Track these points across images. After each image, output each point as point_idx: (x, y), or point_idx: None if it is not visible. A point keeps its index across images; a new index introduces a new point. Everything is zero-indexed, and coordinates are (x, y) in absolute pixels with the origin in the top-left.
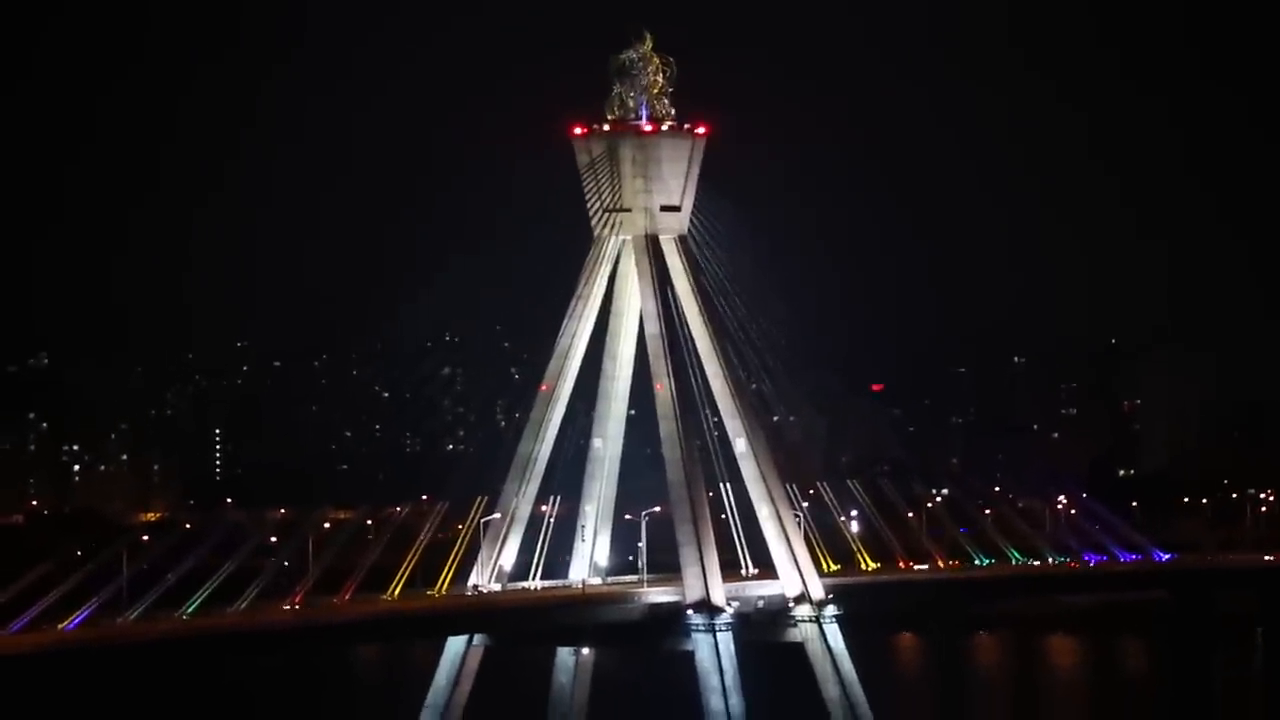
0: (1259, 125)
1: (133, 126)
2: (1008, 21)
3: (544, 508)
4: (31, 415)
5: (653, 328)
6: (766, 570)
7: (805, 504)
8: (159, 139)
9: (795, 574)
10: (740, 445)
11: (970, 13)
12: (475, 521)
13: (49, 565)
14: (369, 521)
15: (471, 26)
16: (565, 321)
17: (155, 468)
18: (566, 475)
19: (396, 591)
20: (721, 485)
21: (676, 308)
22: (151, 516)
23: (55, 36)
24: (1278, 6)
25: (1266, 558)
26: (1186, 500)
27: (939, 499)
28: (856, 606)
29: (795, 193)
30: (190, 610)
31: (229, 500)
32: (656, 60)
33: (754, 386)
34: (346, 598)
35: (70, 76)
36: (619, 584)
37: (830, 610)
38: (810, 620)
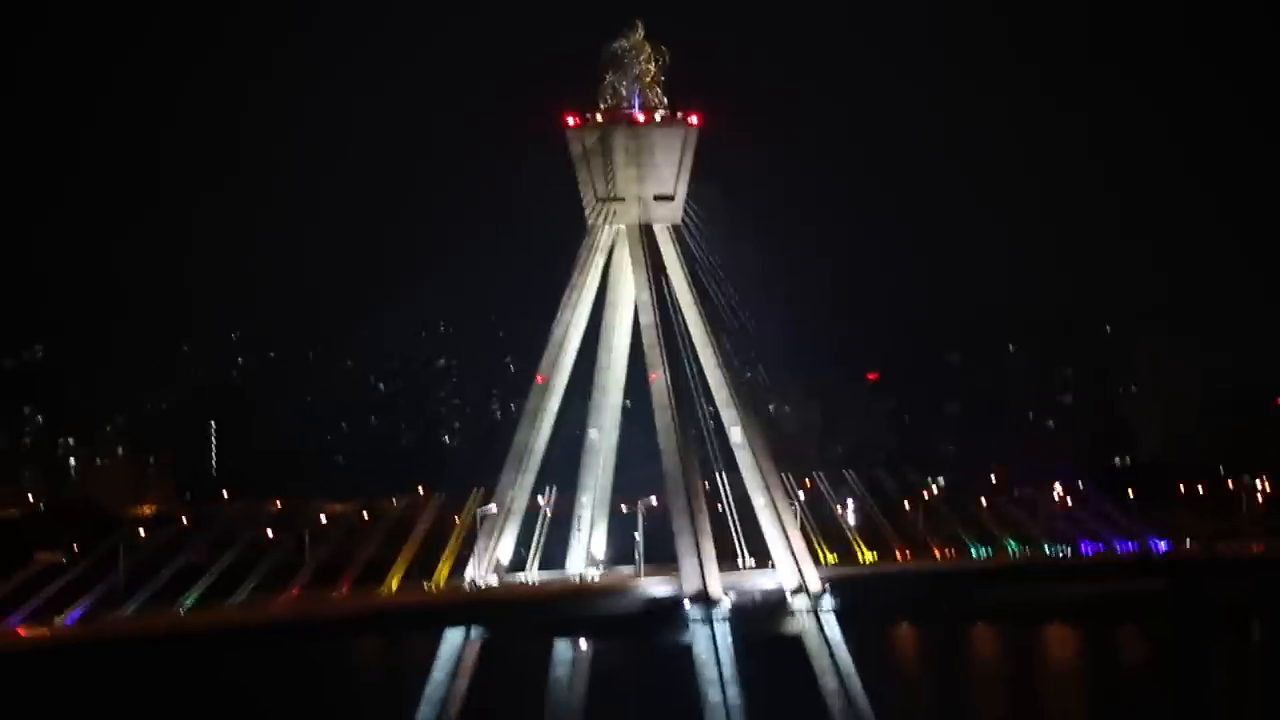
0: (1255, 114)
1: (130, 120)
2: (1005, 16)
3: (540, 499)
4: (27, 409)
5: (647, 318)
6: (763, 561)
7: (801, 494)
8: (158, 130)
9: (792, 565)
10: (736, 435)
11: (963, 3)
12: (472, 513)
13: (46, 559)
14: (365, 514)
15: (466, 19)
16: (560, 312)
17: (151, 461)
18: (562, 466)
19: (394, 584)
20: (718, 476)
21: (671, 297)
22: (147, 510)
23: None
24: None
25: (1254, 547)
26: (1183, 489)
27: (935, 489)
28: (854, 597)
29: (788, 181)
30: (187, 604)
31: (225, 493)
32: (648, 49)
33: (749, 376)
34: (344, 591)
35: (64, 75)
36: (616, 576)
37: (827, 601)
38: (807, 611)
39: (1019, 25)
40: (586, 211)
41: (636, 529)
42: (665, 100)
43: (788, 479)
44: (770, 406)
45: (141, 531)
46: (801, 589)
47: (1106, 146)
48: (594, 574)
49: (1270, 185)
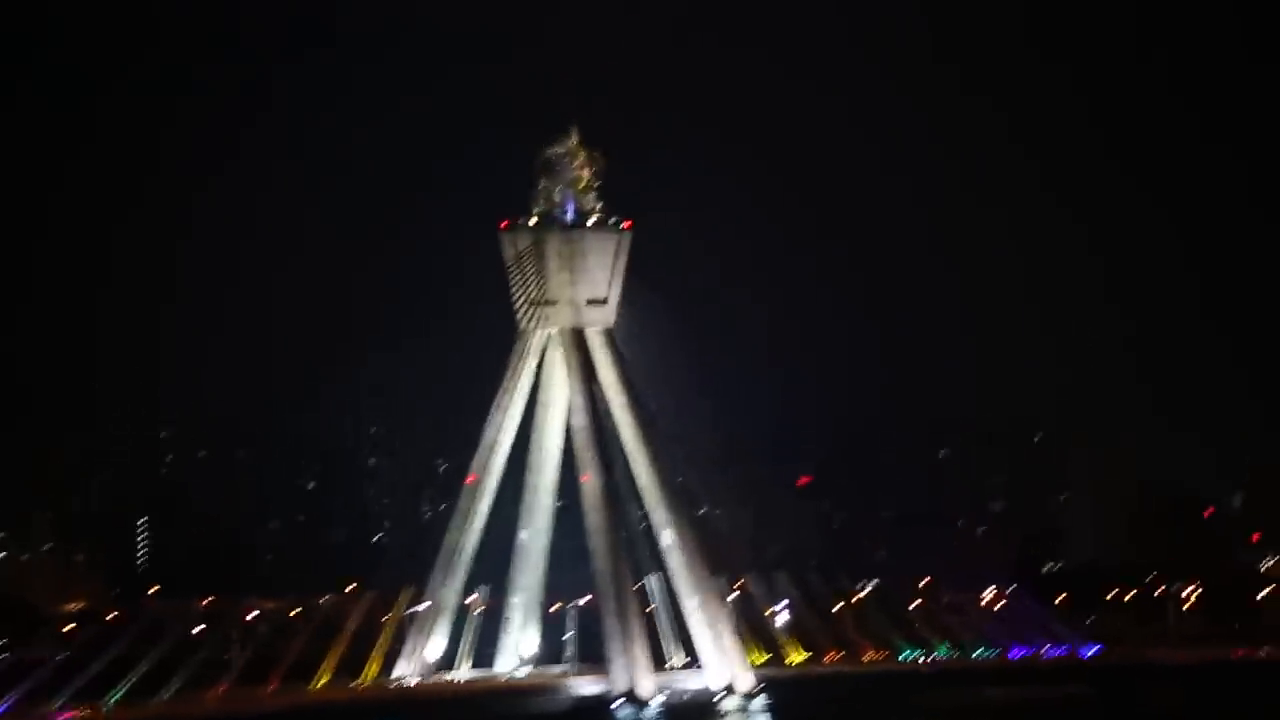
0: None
1: (67, 218)
2: (959, 85)
3: (471, 598)
4: None
5: (579, 420)
6: (694, 661)
7: (733, 595)
8: (96, 226)
9: (723, 665)
10: (667, 537)
11: (923, 85)
12: (402, 611)
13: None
14: (295, 611)
15: (397, 123)
16: (492, 413)
17: (79, 557)
18: (494, 566)
19: (322, 682)
20: (649, 577)
21: (603, 400)
22: (74, 606)
23: None
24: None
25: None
26: (1112, 595)
27: (866, 592)
28: (784, 697)
29: (723, 286)
30: (114, 700)
31: (153, 590)
32: (583, 155)
33: (680, 479)
34: (272, 688)
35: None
36: (546, 674)
37: (758, 702)
38: (737, 711)
39: (977, 94)
40: (519, 314)
41: (567, 629)
42: (599, 205)
43: (719, 581)
44: (701, 509)
45: (69, 627)
46: (732, 689)
47: (1039, 255)
48: (524, 673)
49: (1209, 299)
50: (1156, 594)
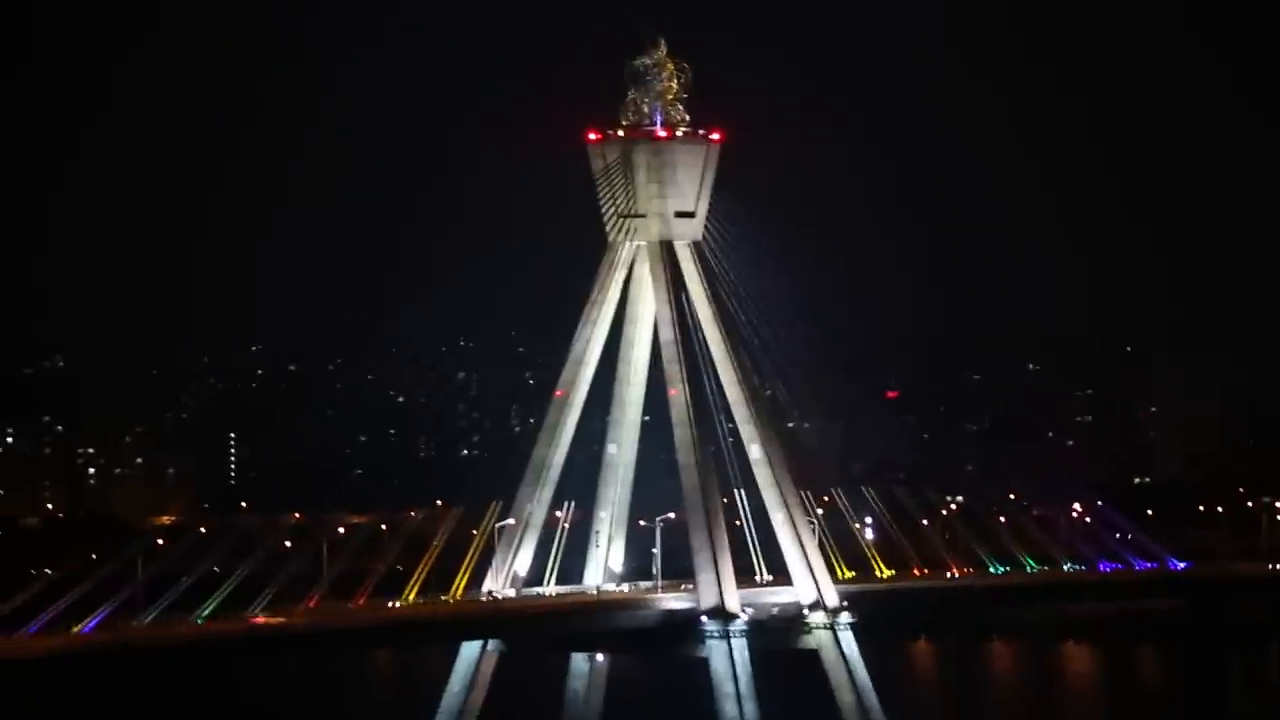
0: (1271, 122)
1: (141, 123)
2: (1022, 32)
3: (558, 513)
4: (46, 418)
5: (667, 333)
6: (781, 577)
7: (820, 510)
8: (167, 137)
9: (810, 581)
10: (755, 451)
11: (987, 21)
12: (490, 527)
13: (64, 569)
14: (383, 526)
15: (486, 28)
16: (580, 327)
17: (170, 471)
18: (581, 481)
19: (411, 596)
20: (736, 491)
21: (691, 313)
22: (166, 520)
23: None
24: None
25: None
26: (1202, 508)
27: (954, 506)
28: (871, 614)
29: (810, 198)
30: (205, 614)
31: (243, 504)
32: (670, 66)
33: (769, 393)
34: (361, 602)
35: (69, 72)
36: (634, 590)
37: (845, 617)
38: (825, 627)
39: (1060, 60)
40: (607, 227)
41: (654, 544)
42: (687, 116)
43: (806, 495)
44: (789, 423)
45: (160, 541)
46: (819, 604)
47: (1130, 168)
48: (611, 588)
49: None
50: (1248, 506)
